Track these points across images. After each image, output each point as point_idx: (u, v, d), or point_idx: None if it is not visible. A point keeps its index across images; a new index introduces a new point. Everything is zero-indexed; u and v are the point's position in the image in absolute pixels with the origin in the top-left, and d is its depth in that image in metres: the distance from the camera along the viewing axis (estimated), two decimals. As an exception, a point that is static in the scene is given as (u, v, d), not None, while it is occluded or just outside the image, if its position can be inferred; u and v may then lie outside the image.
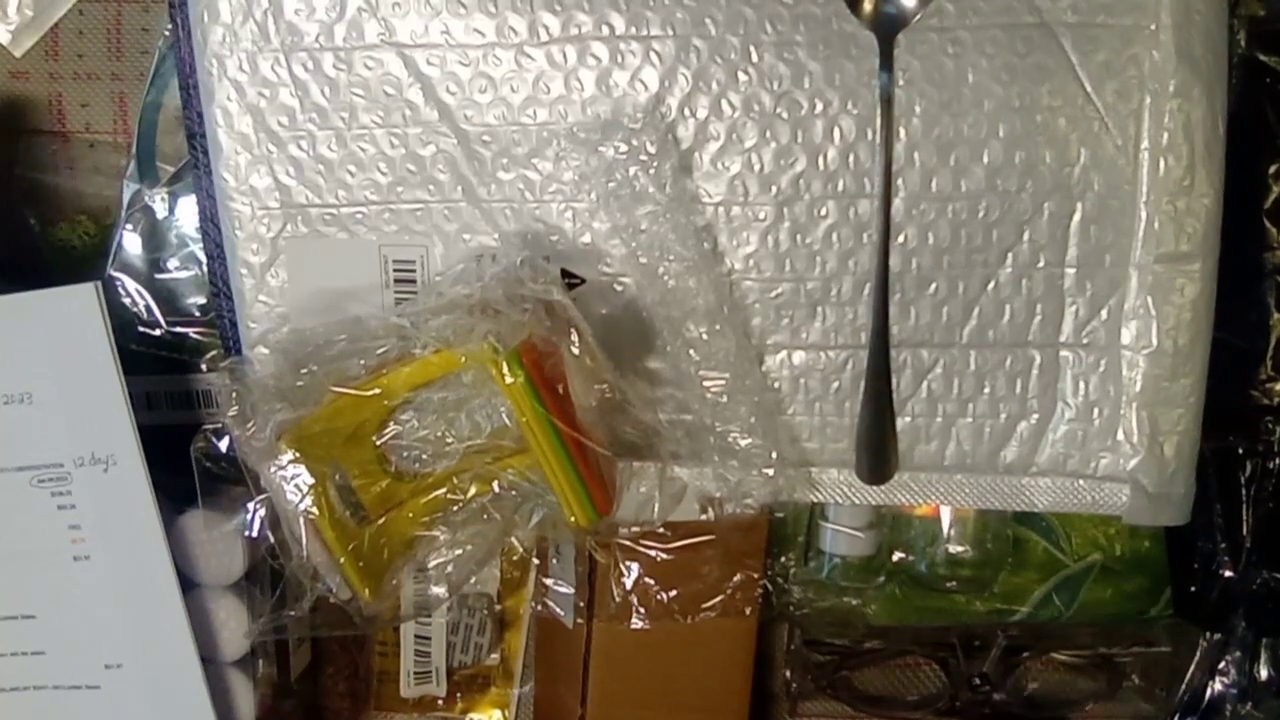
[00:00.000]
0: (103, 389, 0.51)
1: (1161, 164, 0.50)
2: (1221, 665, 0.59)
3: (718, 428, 0.52)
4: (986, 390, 0.53)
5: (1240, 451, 0.56)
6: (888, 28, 0.50)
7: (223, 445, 0.52)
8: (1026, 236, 0.52)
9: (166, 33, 0.57)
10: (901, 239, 0.52)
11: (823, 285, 0.53)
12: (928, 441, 0.54)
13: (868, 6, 0.50)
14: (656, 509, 0.53)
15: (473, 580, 0.59)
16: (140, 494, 0.52)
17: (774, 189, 0.52)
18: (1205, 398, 0.52)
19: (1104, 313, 0.52)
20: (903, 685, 0.63)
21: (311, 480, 0.50)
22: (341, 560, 0.51)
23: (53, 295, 0.51)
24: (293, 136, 0.53)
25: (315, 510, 0.50)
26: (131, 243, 0.59)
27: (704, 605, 0.57)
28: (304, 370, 0.51)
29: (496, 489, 0.52)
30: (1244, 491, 0.56)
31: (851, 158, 0.51)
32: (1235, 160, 0.51)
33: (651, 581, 0.56)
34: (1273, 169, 0.55)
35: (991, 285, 0.52)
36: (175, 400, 0.59)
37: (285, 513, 0.50)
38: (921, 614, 0.59)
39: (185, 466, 0.52)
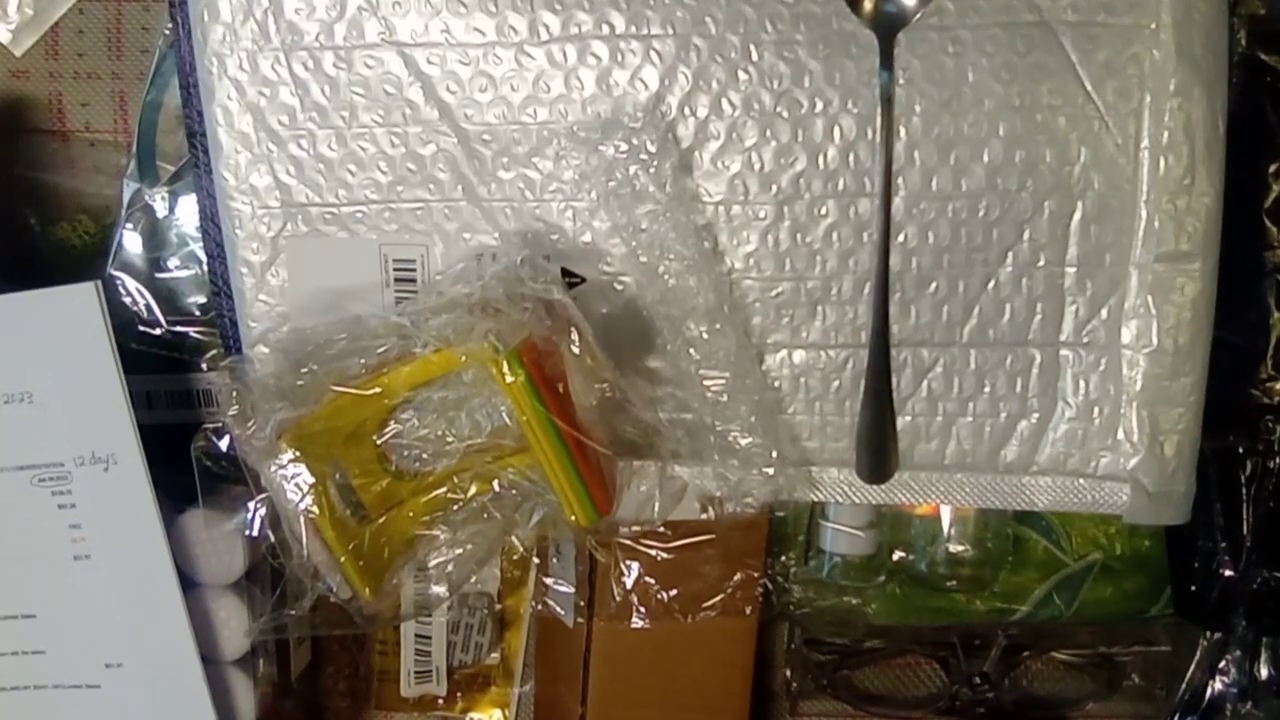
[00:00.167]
0: (103, 388, 0.51)
1: (1162, 163, 0.50)
2: (1222, 664, 0.59)
3: (718, 427, 0.52)
4: (987, 389, 0.53)
5: (1240, 450, 0.56)
6: (888, 27, 0.50)
7: (223, 444, 0.52)
8: (1027, 235, 0.52)
9: (167, 32, 0.57)
10: (902, 238, 0.52)
11: (823, 284, 0.53)
12: (928, 440, 0.54)
13: (868, 5, 0.50)
14: (657, 508, 0.53)
15: (473, 579, 0.59)
16: (141, 493, 0.52)
17: (774, 188, 0.52)
18: (1205, 397, 0.52)
19: (1104, 312, 0.52)
20: (903, 684, 0.63)
21: (312, 479, 0.50)
22: (342, 559, 0.51)
23: (53, 294, 0.51)
24: (293, 135, 0.53)
25: (315, 509, 0.50)
26: (132, 242, 0.59)
27: (704, 604, 0.57)
28: (304, 369, 0.51)
29: (497, 488, 0.52)
30: (1244, 490, 0.56)
31: (852, 157, 0.51)
32: (1236, 159, 0.51)
33: (652, 581, 0.56)
34: (1273, 168, 0.55)
35: (992, 284, 0.52)
36: (175, 399, 0.59)
37: (285, 512, 0.50)
38: (922, 613, 0.59)
39: (186, 466, 0.52)
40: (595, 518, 0.50)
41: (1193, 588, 0.58)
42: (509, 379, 0.47)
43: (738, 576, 0.57)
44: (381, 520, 0.52)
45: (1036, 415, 0.53)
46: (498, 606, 0.63)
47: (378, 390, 0.50)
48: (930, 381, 0.53)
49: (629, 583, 0.57)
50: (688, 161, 0.52)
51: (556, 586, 0.58)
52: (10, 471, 0.53)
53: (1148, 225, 0.51)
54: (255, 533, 0.52)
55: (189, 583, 0.54)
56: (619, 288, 0.53)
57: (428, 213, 0.53)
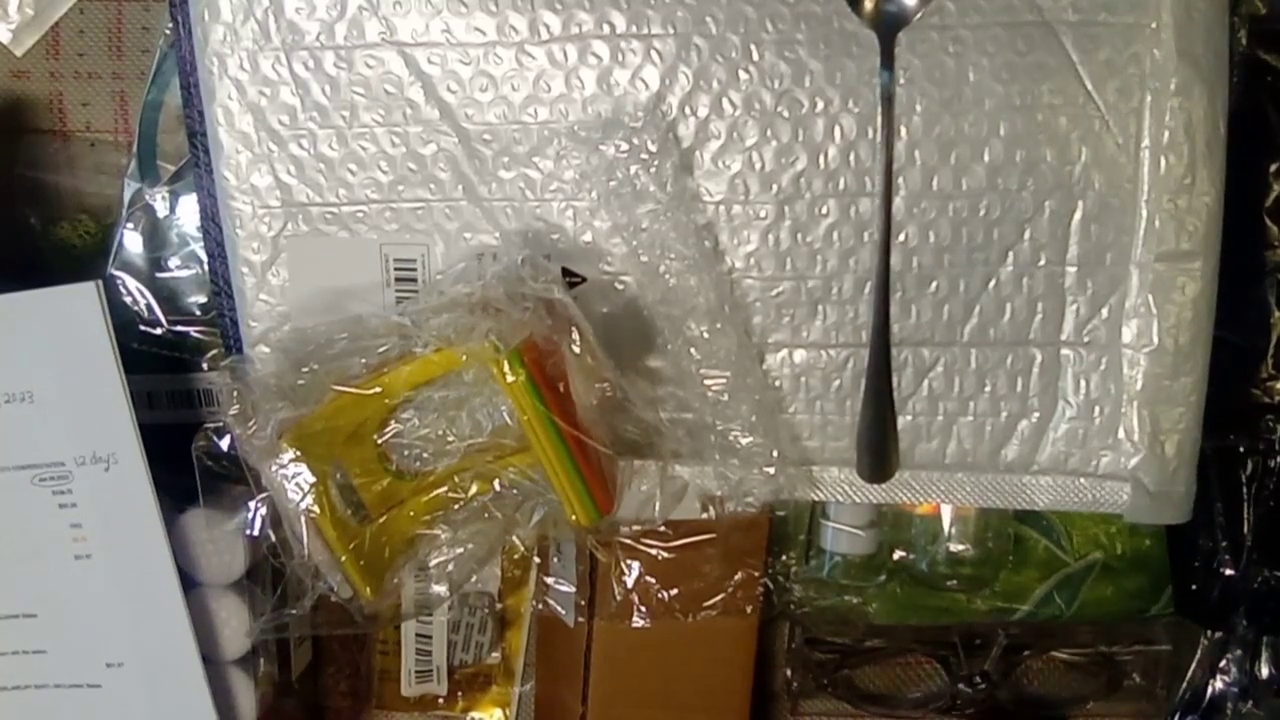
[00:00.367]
0: (104, 388, 0.51)
1: (1162, 162, 0.50)
2: (1222, 664, 0.59)
3: (719, 426, 0.52)
4: (987, 388, 0.53)
5: (1241, 450, 0.56)
6: (889, 26, 0.50)
7: (224, 444, 0.52)
8: (1027, 235, 0.52)
9: (167, 31, 0.56)
10: (902, 237, 0.52)
11: (824, 283, 0.53)
12: (929, 440, 0.54)
13: (869, 5, 0.50)
14: (657, 507, 0.53)
15: (474, 579, 0.59)
16: (141, 493, 0.52)
17: (775, 187, 0.52)
18: (1206, 396, 0.52)
19: (1105, 311, 0.52)
20: (904, 684, 0.63)
21: (312, 479, 0.50)
22: (343, 559, 0.51)
23: (54, 294, 0.51)
24: (294, 135, 0.53)
25: (316, 509, 0.50)
26: (132, 241, 0.59)
27: (705, 604, 0.57)
28: (305, 369, 0.51)
29: (497, 487, 0.52)
30: (1245, 490, 0.56)
31: (852, 156, 0.51)
32: (1236, 158, 0.51)
33: (652, 580, 0.56)
34: (1274, 167, 0.55)
35: (992, 284, 0.52)
36: (176, 399, 0.59)
37: (286, 511, 0.50)
38: (922, 612, 0.59)
39: (186, 465, 0.52)
40: (596, 517, 0.50)
41: (1193, 587, 0.58)
42: (510, 378, 0.47)
43: (738, 576, 0.57)
44: (382, 520, 0.52)
45: (1037, 414, 0.53)
46: (498, 606, 0.63)
47: (378, 390, 0.50)
48: (931, 381, 0.53)
49: (630, 582, 0.57)
50: (688, 161, 0.52)
51: (557, 586, 0.58)
52: (11, 471, 0.53)
53: (1148, 224, 0.51)
54: (256, 532, 0.52)
55: (189, 582, 0.54)
56: (620, 287, 0.53)
57: (428, 212, 0.53)
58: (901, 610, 0.59)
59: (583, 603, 0.57)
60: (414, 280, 0.53)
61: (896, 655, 0.62)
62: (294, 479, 0.50)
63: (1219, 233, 0.51)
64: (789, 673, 0.62)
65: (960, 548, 0.57)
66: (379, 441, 0.53)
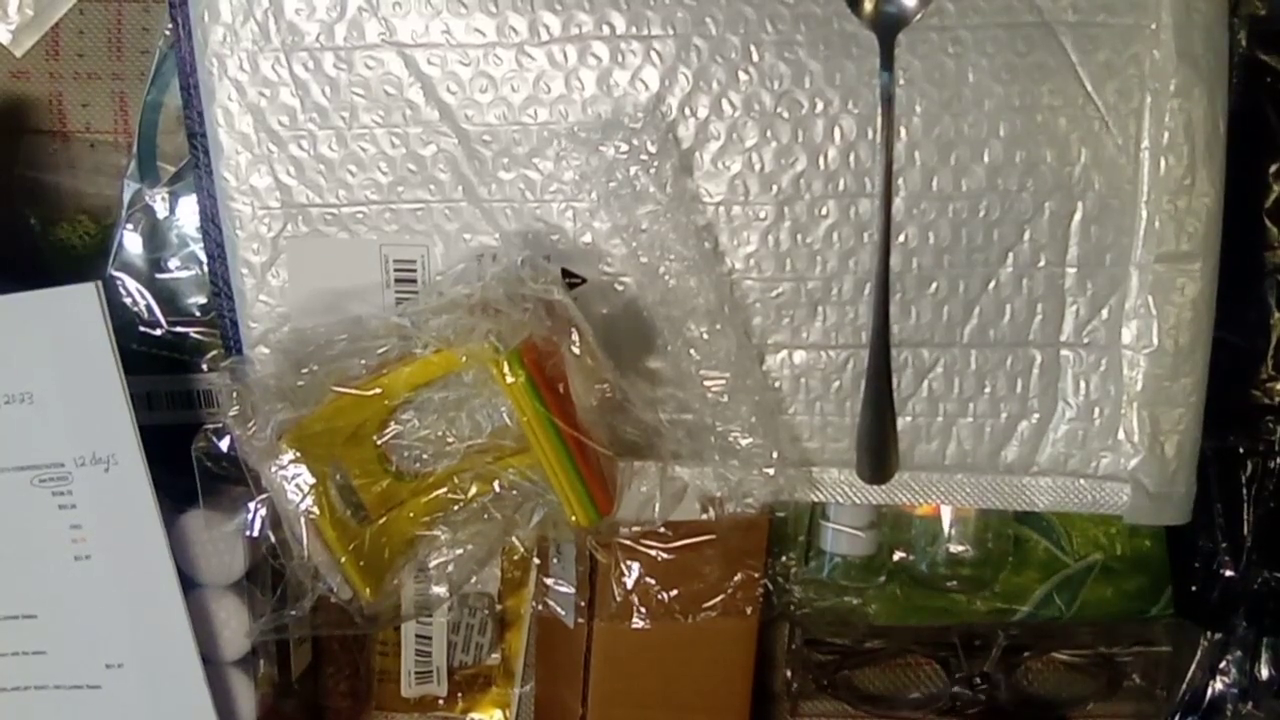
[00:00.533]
0: (103, 389, 0.51)
1: (1162, 163, 0.50)
2: (1222, 665, 0.59)
3: (718, 427, 0.52)
4: (987, 390, 0.53)
5: (1241, 451, 0.56)
6: (888, 27, 0.50)
7: (223, 445, 0.52)
8: (1027, 236, 0.52)
9: (167, 32, 0.57)
10: (902, 238, 0.52)
11: (823, 285, 0.53)
12: (928, 441, 0.54)
13: (868, 6, 0.50)
14: (657, 508, 0.53)
15: (474, 580, 0.59)
16: (141, 494, 0.52)
17: (775, 188, 0.52)
18: (1206, 397, 0.52)
19: (1105, 312, 0.52)
20: (903, 685, 0.63)
21: (312, 480, 0.50)
22: (342, 560, 0.51)
23: (53, 295, 0.51)
24: (293, 136, 0.53)
25: (316, 510, 0.50)
26: (132, 242, 0.59)
27: (705, 605, 0.57)
28: (305, 370, 0.51)
29: (497, 488, 0.52)
30: (1245, 491, 0.56)
31: (852, 157, 0.51)
32: (1236, 159, 0.51)
33: (652, 581, 0.56)
34: (1273, 168, 0.55)
35: (992, 285, 0.52)
36: (176, 400, 0.59)
37: (286, 512, 0.50)
38: (922, 613, 0.59)
39: (186, 466, 0.52)
40: (596, 518, 0.50)
41: (1193, 588, 0.58)
42: (509, 379, 0.47)
43: (738, 577, 0.57)
44: (382, 521, 0.52)
45: (1037, 416, 0.53)
46: (498, 607, 0.63)
47: (378, 391, 0.50)
48: (931, 382, 0.53)
49: (629, 583, 0.57)
50: (688, 162, 0.52)
51: (557, 587, 0.58)
52: (10, 472, 0.53)
53: (1148, 225, 0.51)
54: (255, 533, 0.52)
55: (189, 583, 0.54)
56: (619, 288, 0.53)
57: (428, 213, 0.53)
58: (901, 611, 0.59)
59: (582, 604, 0.57)
60: (414, 281, 0.53)
61: (896, 656, 0.62)
62: (293, 480, 0.50)
63: (1219, 234, 0.51)
64: (789, 674, 0.62)
65: (960, 549, 0.57)
66: (379, 442, 0.53)
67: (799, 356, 0.53)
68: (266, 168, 0.53)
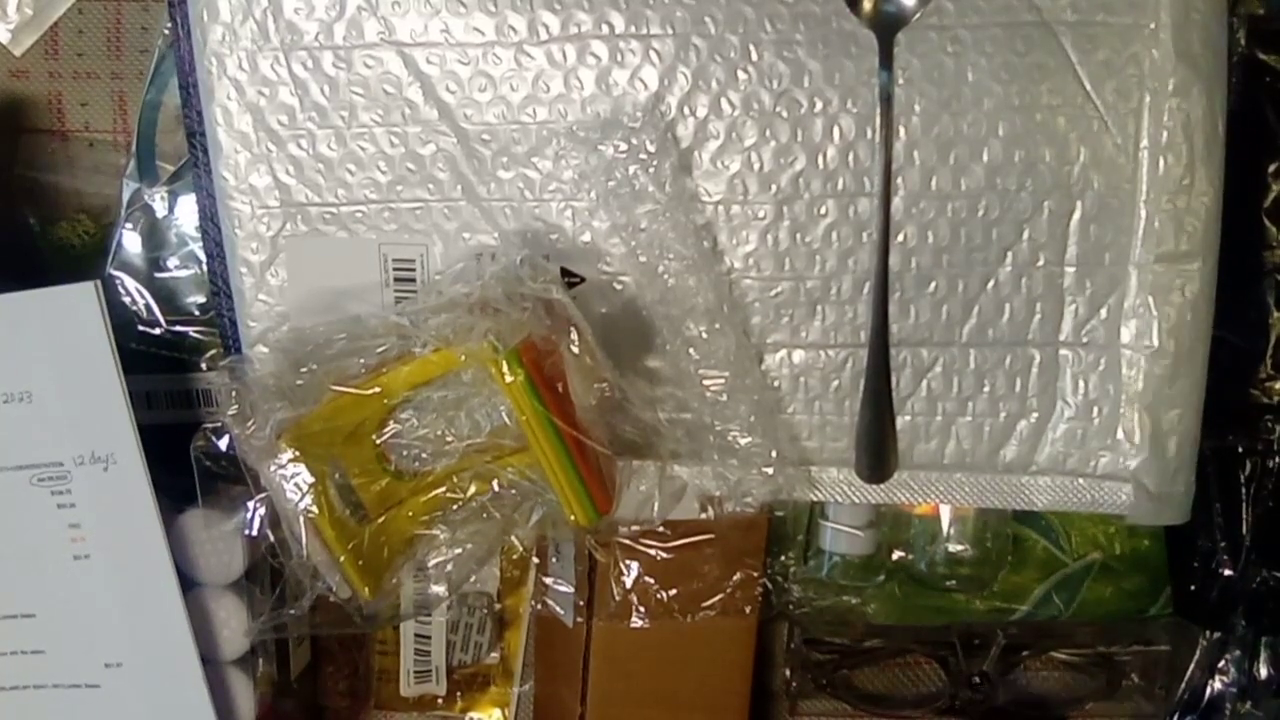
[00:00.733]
0: (103, 388, 0.51)
1: (1161, 163, 0.50)
2: (1221, 664, 0.59)
3: (717, 426, 0.52)
4: (986, 389, 0.53)
5: (1240, 450, 0.56)
6: (887, 26, 0.50)
7: (222, 444, 0.52)
8: (1026, 235, 0.52)
9: (166, 31, 0.57)
10: (901, 237, 0.52)
11: (822, 284, 0.53)
12: (927, 440, 0.54)
13: (867, 5, 0.50)
14: (656, 507, 0.53)
15: (472, 579, 0.59)
16: (140, 493, 0.52)
17: (774, 187, 0.52)
18: (1205, 396, 0.52)
19: (1104, 311, 0.52)
20: (902, 684, 0.63)
21: (311, 479, 0.50)
22: (341, 559, 0.51)
23: (52, 294, 0.51)
24: (292, 135, 0.53)
25: (315, 509, 0.50)
26: (131, 241, 0.59)
27: (704, 604, 0.57)
28: (304, 369, 0.51)
29: (496, 488, 0.52)
30: (1243, 490, 0.56)
31: (851, 156, 0.51)
32: (1235, 159, 0.51)
33: (651, 580, 0.56)
34: (1272, 168, 0.55)
35: (991, 284, 0.52)
36: (175, 399, 0.59)
37: (285, 511, 0.50)
38: (921, 613, 0.59)
39: (185, 465, 0.52)
40: (595, 517, 0.50)
41: (1192, 587, 0.58)
42: (508, 379, 0.47)
43: (737, 576, 0.57)
44: (381, 520, 0.52)
45: (1036, 415, 0.53)
46: (497, 606, 0.62)
47: (377, 390, 0.50)
48: (929, 381, 0.53)
49: (628, 582, 0.57)
50: (687, 161, 0.52)
51: (556, 586, 0.58)
52: (10, 471, 0.53)
53: (1147, 225, 0.51)
54: (255, 532, 0.52)
55: (189, 582, 0.54)
56: (618, 287, 0.53)
57: (427, 212, 0.53)
58: (900, 610, 0.59)
59: (581, 603, 0.57)
60: (413, 280, 0.53)
61: (895, 655, 0.62)
62: (292, 479, 0.50)
63: (1218, 233, 0.51)
64: (788, 673, 0.62)
65: (959, 548, 0.57)
66: (378, 442, 0.53)
67: (798, 356, 0.53)
68: (265, 167, 0.53)
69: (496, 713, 0.64)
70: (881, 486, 0.54)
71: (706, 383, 0.52)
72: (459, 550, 0.53)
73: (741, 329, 0.53)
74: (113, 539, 0.53)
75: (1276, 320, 0.56)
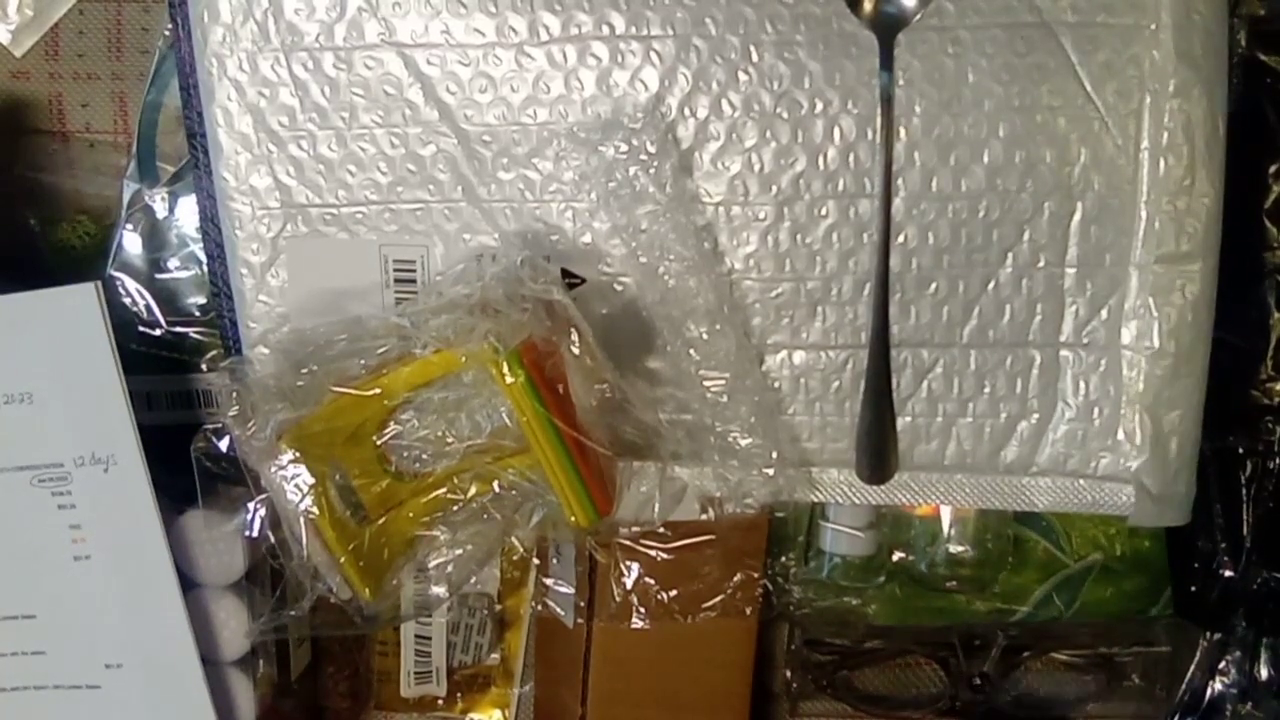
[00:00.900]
0: (103, 389, 0.51)
1: (1162, 164, 0.50)
2: (1222, 665, 0.59)
3: (718, 427, 0.52)
4: (987, 390, 0.53)
5: (1240, 451, 0.56)
6: (888, 27, 0.50)
7: (223, 445, 0.52)
8: (1027, 236, 0.52)
9: (167, 32, 0.57)
10: (902, 239, 0.52)
11: (823, 285, 0.53)
12: (928, 441, 0.54)
13: (868, 6, 0.50)
14: (657, 509, 0.53)
15: (473, 580, 0.59)
16: (140, 494, 0.52)
17: (774, 189, 0.52)
18: (1205, 397, 0.52)
19: (1104, 312, 0.52)
20: (903, 685, 0.63)
21: (312, 480, 0.50)
22: (342, 560, 0.51)
23: (53, 295, 0.51)
24: (293, 136, 0.53)
25: (315, 510, 0.50)
26: (132, 242, 0.59)
27: (704, 605, 0.57)
28: (304, 370, 0.51)
29: (497, 489, 0.52)
30: (1244, 491, 0.56)
31: (852, 157, 0.51)
32: (1235, 160, 0.51)
33: (652, 581, 0.56)
34: (1273, 169, 0.55)
35: (992, 285, 0.52)
36: (175, 400, 0.59)
37: (285, 512, 0.50)
38: (922, 614, 0.59)
39: (185, 466, 0.52)
40: (595, 518, 0.50)
41: (1193, 588, 0.58)
42: (509, 380, 0.47)
43: (737, 577, 0.57)
44: (381, 521, 0.52)
45: (1036, 416, 0.53)
46: (498, 607, 0.63)
47: (378, 391, 0.50)
48: (930, 382, 0.53)
49: (629, 583, 0.57)
50: (688, 162, 0.52)
51: (556, 587, 0.58)
52: (10, 472, 0.53)
53: (1148, 226, 0.51)
54: (255, 533, 0.52)
55: (189, 583, 0.54)
56: (619, 288, 0.53)
57: (427, 213, 0.53)
58: (901, 611, 0.59)
59: (582, 604, 0.57)
60: (413, 281, 0.53)
61: (896, 656, 0.62)
62: (293, 480, 0.50)
63: (1218, 234, 0.51)
64: (788, 674, 0.62)
65: (959, 549, 0.57)
66: (378, 443, 0.53)
67: (798, 357, 0.53)
68: (266, 168, 0.53)
69: (497, 714, 0.64)
70: (882, 488, 0.54)
71: (707, 384, 0.52)
72: (459, 551, 0.53)
73: (742, 330, 0.53)
74: (113, 540, 0.53)
75: (1277, 321, 0.56)
